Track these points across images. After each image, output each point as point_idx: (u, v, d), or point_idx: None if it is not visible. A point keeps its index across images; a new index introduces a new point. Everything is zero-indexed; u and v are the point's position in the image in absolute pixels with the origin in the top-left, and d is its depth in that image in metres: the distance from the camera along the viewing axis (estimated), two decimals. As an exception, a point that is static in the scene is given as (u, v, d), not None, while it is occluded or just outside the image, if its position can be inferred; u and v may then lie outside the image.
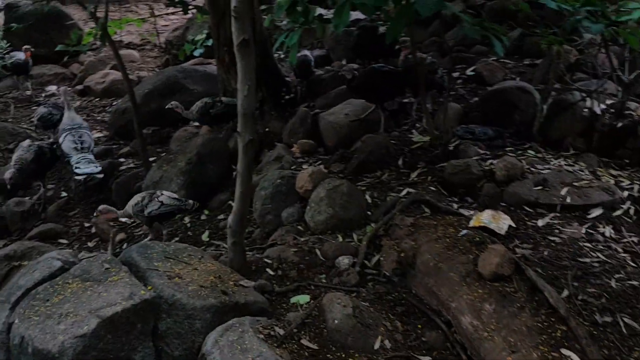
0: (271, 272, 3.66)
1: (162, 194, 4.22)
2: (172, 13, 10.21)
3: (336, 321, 3.06)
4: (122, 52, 8.74)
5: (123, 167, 5.74)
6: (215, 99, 5.48)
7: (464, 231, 3.56)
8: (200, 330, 3.07)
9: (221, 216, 4.86)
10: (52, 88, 7.89)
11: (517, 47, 6.67)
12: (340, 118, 5.26)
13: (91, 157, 5.17)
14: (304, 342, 3.03)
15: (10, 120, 6.98)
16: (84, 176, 5.12)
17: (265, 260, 3.81)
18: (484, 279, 3.14)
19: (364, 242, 3.81)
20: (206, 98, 5.51)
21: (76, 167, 5.00)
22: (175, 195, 4.32)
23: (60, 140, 5.28)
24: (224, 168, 5.24)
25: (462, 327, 3.01)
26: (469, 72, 6.05)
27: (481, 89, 5.81)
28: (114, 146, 6.21)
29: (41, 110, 6.10)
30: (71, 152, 5.13)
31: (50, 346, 2.81)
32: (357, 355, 2.95)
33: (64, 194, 5.53)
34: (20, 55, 7.21)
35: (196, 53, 8.25)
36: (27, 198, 5.33)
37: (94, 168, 5.04)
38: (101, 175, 5.20)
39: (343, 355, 2.94)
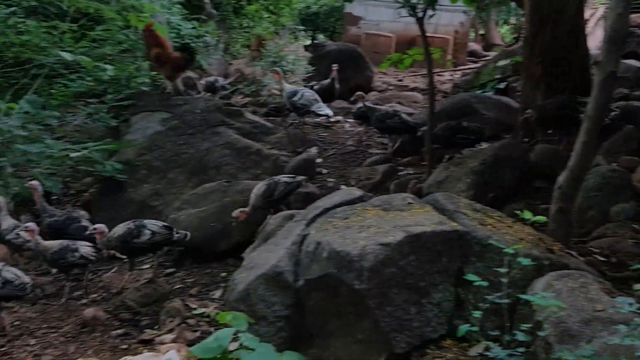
0: (601, 258, 2.99)
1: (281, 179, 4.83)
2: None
3: None
4: (406, 93, 9.33)
5: (401, 173, 5.81)
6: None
7: None
8: (517, 282, 2.59)
9: (513, 225, 4.38)
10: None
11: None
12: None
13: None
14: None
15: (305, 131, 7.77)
16: (325, 116, 7.00)
17: (591, 248, 3.15)
18: None
19: None
20: None
21: (319, 110, 6.59)
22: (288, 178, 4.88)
23: (297, 97, 6.72)
24: (521, 177, 4.80)
25: None
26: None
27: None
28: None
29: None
30: (312, 102, 6.65)
31: (350, 249, 2.70)
32: None
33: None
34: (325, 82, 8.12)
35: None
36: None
37: (330, 112, 6.82)
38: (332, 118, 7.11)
39: None
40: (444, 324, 2.68)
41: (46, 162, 5.88)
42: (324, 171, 6.26)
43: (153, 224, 4.52)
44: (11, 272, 3.94)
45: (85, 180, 7.25)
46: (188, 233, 4.61)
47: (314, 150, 7.24)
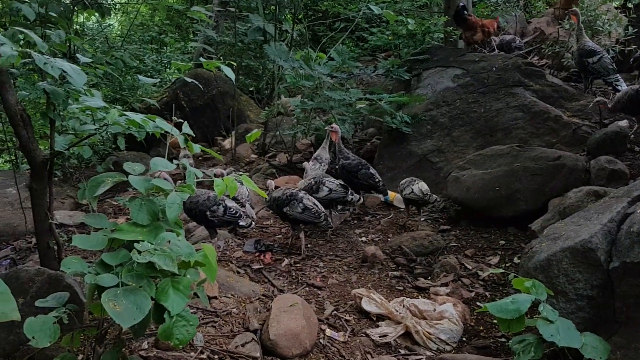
0: None
1: (418, 183, 4.88)
2: None
3: None
4: None
5: None
6: None
7: None
8: None
9: None
10: None
11: None
12: None
13: None
14: None
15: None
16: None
17: None
18: None
19: None
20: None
21: (617, 83, 5.70)
22: (425, 188, 4.87)
23: (593, 59, 5.93)
24: None
25: None
26: None
27: None
28: None
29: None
30: (607, 71, 5.86)
31: (697, 236, 2.28)
32: None
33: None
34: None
35: None
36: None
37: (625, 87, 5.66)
38: None
39: None
40: None
41: (342, 108, 6.48)
42: (637, 148, 5.46)
43: (331, 182, 4.80)
44: (310, 201, 4.50)
45: (368, 130, 7.80)
46: (361, 197, 5.10)
47: (624, 123, 6.39)
